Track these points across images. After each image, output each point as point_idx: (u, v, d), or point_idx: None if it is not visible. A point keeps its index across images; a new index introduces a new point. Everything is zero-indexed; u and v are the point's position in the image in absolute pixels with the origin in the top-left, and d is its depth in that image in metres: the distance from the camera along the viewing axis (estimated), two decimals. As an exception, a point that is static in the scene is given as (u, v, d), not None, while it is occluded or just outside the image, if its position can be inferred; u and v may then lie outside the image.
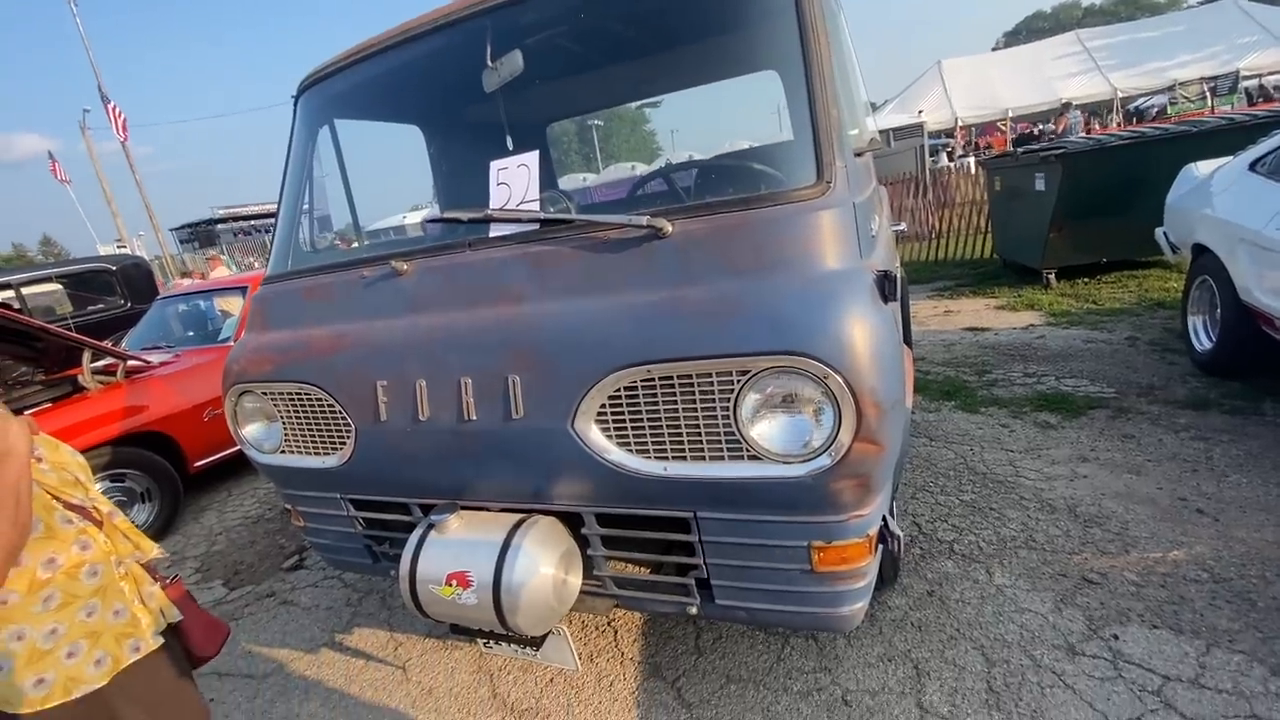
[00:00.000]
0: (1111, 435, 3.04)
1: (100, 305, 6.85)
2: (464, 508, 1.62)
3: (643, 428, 1.36)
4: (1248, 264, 3.00)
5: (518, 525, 1.52)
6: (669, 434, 1.34)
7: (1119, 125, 14.77)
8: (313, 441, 1.80)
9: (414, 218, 3.11)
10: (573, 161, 3.01)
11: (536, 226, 1.48)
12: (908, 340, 2.52)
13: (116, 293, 6.98)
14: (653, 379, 1.31)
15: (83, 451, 3.31)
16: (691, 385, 1.29)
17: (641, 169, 2.61)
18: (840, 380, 1.17)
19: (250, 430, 1.92)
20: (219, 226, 26.45)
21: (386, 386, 1.57)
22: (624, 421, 1.37)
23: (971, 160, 10.61)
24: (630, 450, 1.39)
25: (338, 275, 1.76)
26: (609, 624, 2.31)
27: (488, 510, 1.64)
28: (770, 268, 1.25)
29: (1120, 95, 15.69)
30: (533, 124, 2.66)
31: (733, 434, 1.29)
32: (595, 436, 1.39)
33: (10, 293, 6.50)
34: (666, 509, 1.44)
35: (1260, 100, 13.83)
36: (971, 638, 1.98)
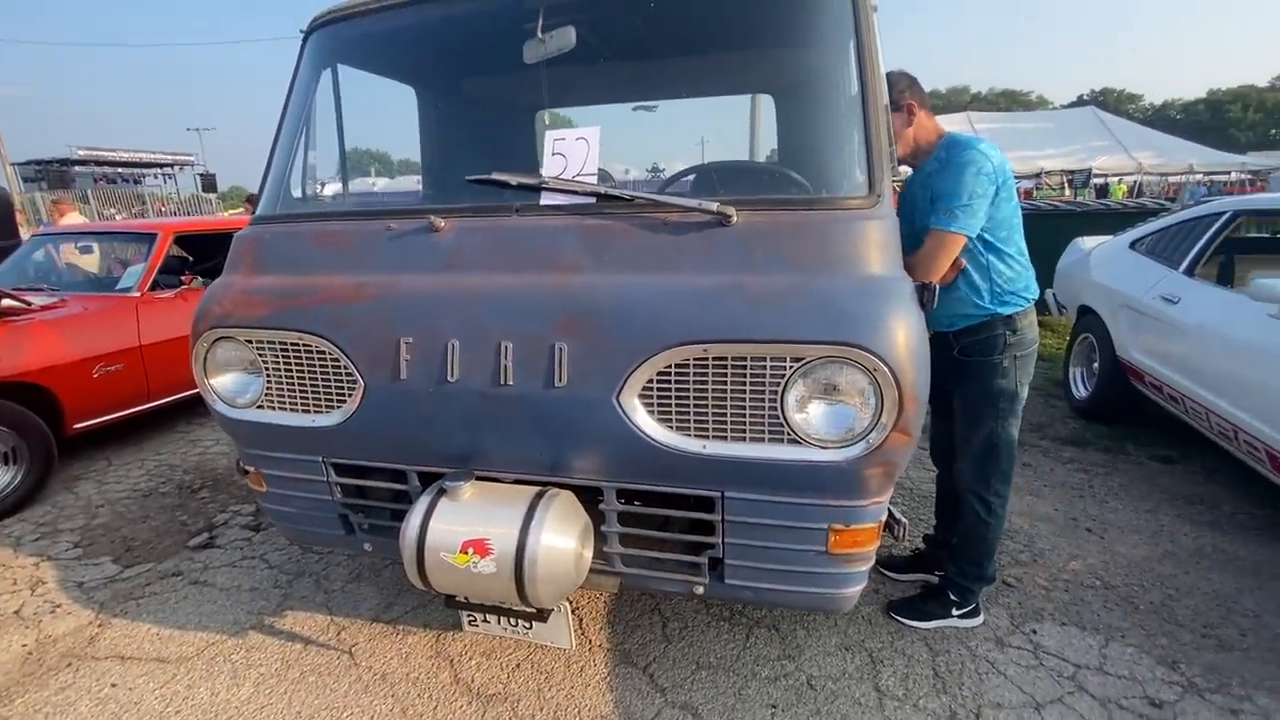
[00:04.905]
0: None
1: (-60, 235, 5.81)
2: (477, 477, 1.58)
3: (687, 406, 1.41)
4: (1126, 326, 3.54)
5: (540, 496, 1.50)
6: (713, 413, 1.40)
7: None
8: (303, 398, 1.68)
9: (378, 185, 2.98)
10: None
11: (594, 200, 1.50)
12: None
13: (-36, 223, 5.95)
14: (706, 358, 1.36)
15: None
16: (744, 367, 1.35)
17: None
18: (889, 373, 1.28)
19: (222, 381, 1.75)
20: (77, 169, 23.15)
21: (412, 344, 1.50)
22: (669, 398, 1.41)
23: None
24: (671, 427, 1.43)
25: (356, 223, 1.67)
26: (574, 611, 2.30)
27: (499, 481, 1.61)
28: (828, 265, 1.36)
29: (998, 175, 17.79)
30: (534, 105, 2.65)
31: (776, 417, 1.37)
32: (638, 411, 1.42)
33: None
34: (696, 487, 1.49)
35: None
36: (916, 631, 2.17)
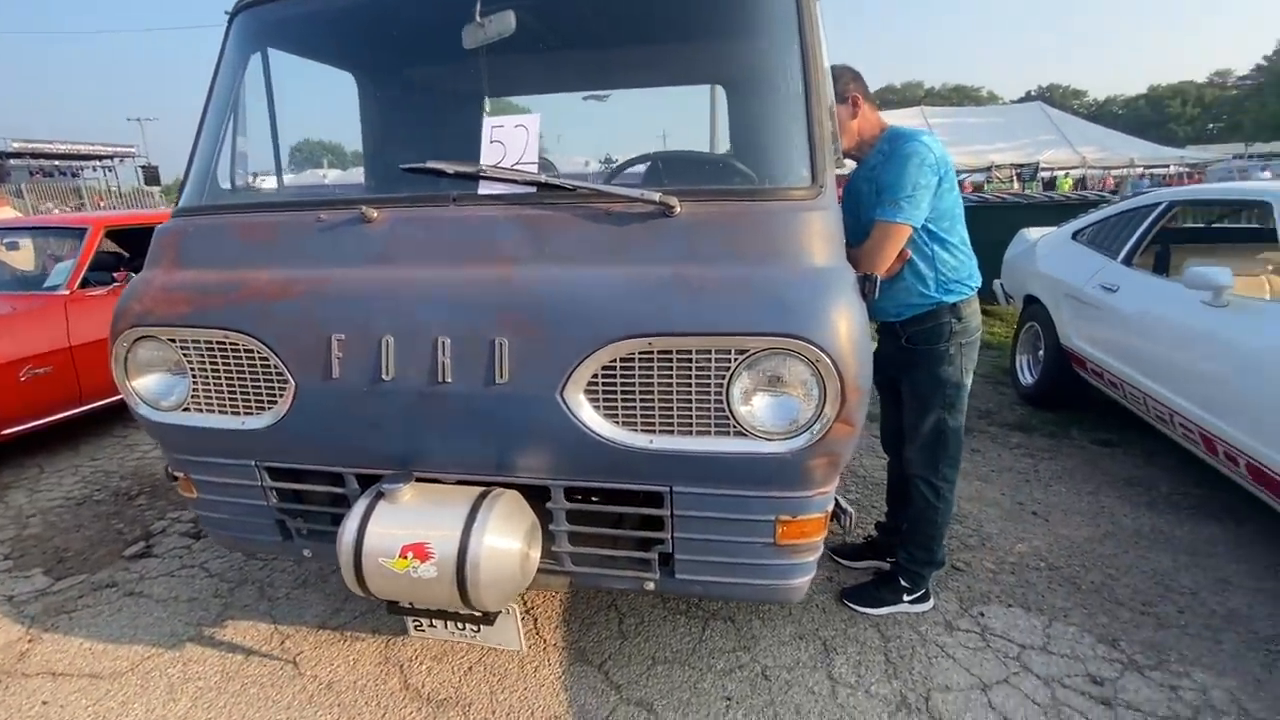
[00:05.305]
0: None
1: None
2: (418, 478, 1.53)
3: (632, 400, 1.38)
4: (1069, 314, 3.65)
5: (483, 496, 1.46)
6: (659, 407, 1.37)
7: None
8: (231, 399, 1.59)
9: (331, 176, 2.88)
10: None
11: (534, 190, 1.45)
12: None
13: (-127, 218, 5.56)
14: (651, 352, 1.34)
15: None
16: (689, 360, 1.33)
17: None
18: (831, 364, 1.28)
19: (145, 383, 1.66)
20: (11, 161, 21.86)
21: (344, 341, 1.44)
22: (614, 393, 1.38)
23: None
24: (617, 422, 1.40)
25: (285, 215, 1.59)
26: (528, 612, 2.26)
27: (441, 482, 1.56)
28: (771, 256, 1.34)
29: (952, 167, 18.26)
30: (477, 93, 2.57)
31: (722, 410, 1.35)
32: (583, 407, 1.39)
33: None
34: (644, 483, 1.46)
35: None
36: (868, 618, 2.20)
